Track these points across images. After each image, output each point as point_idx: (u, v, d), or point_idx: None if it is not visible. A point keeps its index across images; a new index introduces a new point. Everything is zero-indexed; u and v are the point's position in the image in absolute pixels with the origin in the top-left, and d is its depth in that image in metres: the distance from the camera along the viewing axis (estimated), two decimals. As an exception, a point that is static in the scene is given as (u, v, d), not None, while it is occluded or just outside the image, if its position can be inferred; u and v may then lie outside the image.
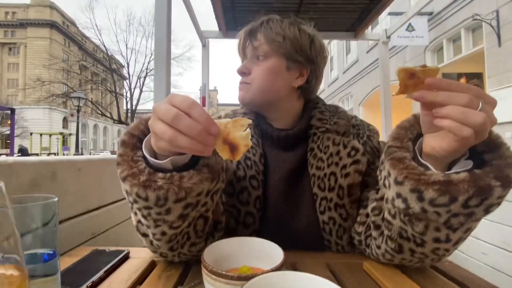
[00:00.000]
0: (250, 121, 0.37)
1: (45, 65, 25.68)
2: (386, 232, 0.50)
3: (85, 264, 0.53)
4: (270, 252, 0.43)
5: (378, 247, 0.52)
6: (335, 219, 0.59)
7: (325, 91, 16.49)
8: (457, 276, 0.51)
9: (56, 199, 0.36)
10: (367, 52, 10.16)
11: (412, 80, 0.39)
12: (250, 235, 0.59)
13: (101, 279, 0.48)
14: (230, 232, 0.58)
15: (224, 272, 0.34)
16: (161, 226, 0.43)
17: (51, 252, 0.35)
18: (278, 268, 0.35)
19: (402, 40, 6.11)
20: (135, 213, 0.45)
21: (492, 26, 5.16)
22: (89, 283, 0.45)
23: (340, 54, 14.11)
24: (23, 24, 29.71)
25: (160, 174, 0.40)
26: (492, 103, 0.38)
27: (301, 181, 0.63)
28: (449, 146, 0.38)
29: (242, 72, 0.64)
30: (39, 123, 26.52)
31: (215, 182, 0.44)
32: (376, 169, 0.62)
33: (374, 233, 0.53)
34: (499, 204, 0.39)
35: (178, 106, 0.35)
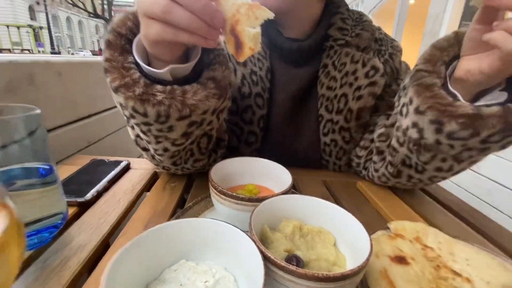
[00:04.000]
0: (271, 15, 0.28)
1: None
2: (388, 158, 0.50)
3: (85, 174, 0.53)
4: (276, 173, 0.43)
5: (376, 170, 0.54)
6: (337, 141, 0.58)
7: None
8: (443, 198, 0.56)
9: (39, 111, 0.31)
10: None
11: None
12: (251, 153, 0.58)
13: (105, 189, 0.49)
14: (232, 150, 0.57)
15: (234, 194, 0.33)
16: (162, 143, 0.40)
17: (48, 167, 0.33)
18: (287, 192, 0.35)
19: None
20: (132, 127, 0.42)
21: None
22: (94, 192, 0.46)
23: None
24: None
25: (159, 87, 0.34)
26: None
27: (308, 101, 0.59)
28: (490, 67, 0.33)
29: None
30: (1, 13, 22.91)
31: (222, 100, 0.39)
32: (392, 93, 0.57)
33: (375, 158, 0.53)
34: None
35: None
